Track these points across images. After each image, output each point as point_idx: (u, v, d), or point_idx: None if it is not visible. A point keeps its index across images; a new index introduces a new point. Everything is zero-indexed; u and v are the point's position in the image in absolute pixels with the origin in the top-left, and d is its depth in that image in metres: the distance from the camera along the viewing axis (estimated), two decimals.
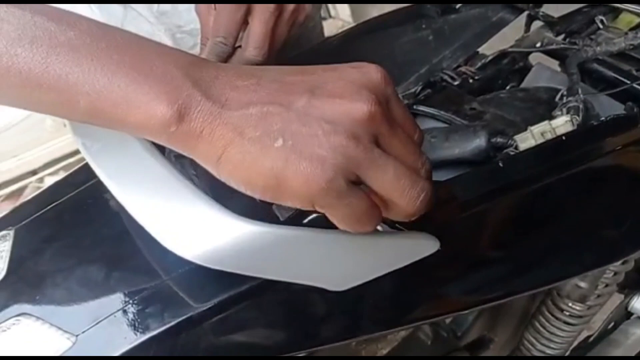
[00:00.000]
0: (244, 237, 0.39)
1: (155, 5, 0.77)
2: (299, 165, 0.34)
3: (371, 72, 0.38)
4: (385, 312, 0.46)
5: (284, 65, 0.40)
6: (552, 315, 0.83)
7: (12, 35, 0.33)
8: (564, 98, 0.67)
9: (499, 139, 0.62)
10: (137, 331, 0.42)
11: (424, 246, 0.46)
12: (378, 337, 0.64)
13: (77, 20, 0.36)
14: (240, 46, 0.63)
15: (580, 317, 0.82)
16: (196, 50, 0.80)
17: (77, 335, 0.42)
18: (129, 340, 0.41)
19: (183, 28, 0.80)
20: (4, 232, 0.49)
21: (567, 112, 0.63)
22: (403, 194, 0.37)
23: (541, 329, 0.86)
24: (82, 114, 0.35)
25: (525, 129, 0.62)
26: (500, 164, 0.51)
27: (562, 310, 0.83)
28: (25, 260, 0.47)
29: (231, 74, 0.37)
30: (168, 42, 0.80)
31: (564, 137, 0.54)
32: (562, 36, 0.85)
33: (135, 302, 0.43)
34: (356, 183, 0.36)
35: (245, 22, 0.62)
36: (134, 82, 0.34)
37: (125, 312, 0.43)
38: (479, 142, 0.62)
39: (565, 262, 0.60)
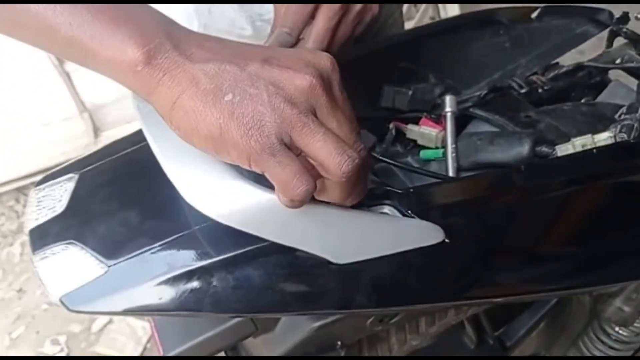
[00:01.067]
0: (260, 202, 0.44)
1: None
2: (242, 119, 0.38)
3: (322, 57, 0.42)
4: (380, 291, 0.49)
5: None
6: (597, 337, 0.81)
7: None
8: (622, 115, 0.66)
9: (544, 149, 0.63)
10: (159, 270, 0.48)
11: (428, 235, 0.49)
12: (397, 320, 0.66)
13: None
14: (303, 38, 0.68)
15: (626, 343, 0.80)
16: None
17: (109, 266, 0.49)
18: (150, 276, 0.48)
19: (263, 17, 0.86)
20: (70, 175, 0.58)
21: (620, 130, 0.62)
22: (329, 157, 0.39)
23: (584, 350, 0.85)
24: (60, 42, 0.39)
25: None
26: (522, 168, 0.52)
27: (608, 334, 0.81)
28: (82, 200, 0.55)
29: (201, 36, 0.42)
30: (249, 28, 0.87)
31: (594, 150, 0.54)
32: None
33: (162, 245, 0.49)
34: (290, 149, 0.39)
35: (312, 17, 0.67)
36: (113, 23, 0.39)
37: (153, 252, 0.49)
38: (522, 149, 0.63)
39: (597, 268, 0.59)
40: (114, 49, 0.39)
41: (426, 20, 2.35)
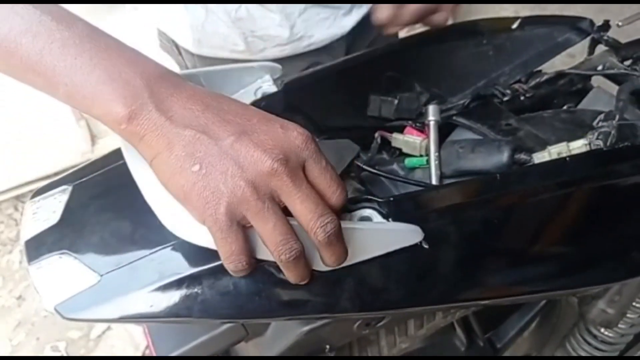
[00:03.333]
0: None
1: (233, 11, 0.86)
2: (203, 192, 0.41)
3: (293, 136, 0.44)
4: (363, 295, 0.51)
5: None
6: (583, 338, 0.83)
7: (22, 27, 0.43)
8: (600, 122, 0.68)
9: (522, 156, 0.65)
10: (150, 278, 0.50)
11: (408, 236, 0.51)
12: (382, 323, 0.68)
13: (75, 22, 0.44)
14: None
15: (612, 344, 0.81)
16: (265, 54, 0.90)
17: (102, 275, 0.51)
18: (141, 284, 0.50)
19: (255, 33, 0.88)
20: (64, 187, 0.60)
21: (597, 137, 0.64)
22: (275, 247, 0.43)
23: (571, 351, 0.86)
24: (61, 98, 0.44)
25: None
26: (498, 176, 0.54)
27: (594, 335, 0.82)
28: (75, 211, 0.57)
29: (185, 95, 0.44)
30: (241, 44, 0.89)
31: (567, 158, 0.56)
32: (629, 62, 0.84)
33: (153, 254, 0.51)
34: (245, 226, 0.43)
35: None
36: (102, 84, 0.42)
37: (143, 261, 0.51)
38: (501, 157, 0.65)
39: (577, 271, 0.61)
40: (102, 107, 0.43)
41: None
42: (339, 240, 0.45)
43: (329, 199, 0.45)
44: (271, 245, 0.43)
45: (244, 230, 0.44)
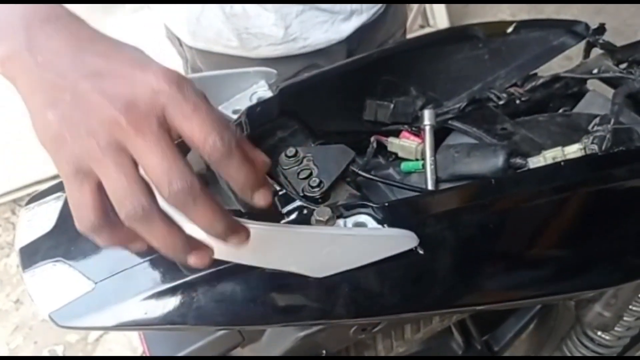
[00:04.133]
0: None
1: (228, 7, 0.87)
2: (54, 140, 0.39)
3: (150, 79, 0.38)
4: (358, 302, 0.51)
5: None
6: (580, 341, 0.83)
7: None
8: (595, 127, 0.68)
9: (518, 160, 0.65)
10: (145, 285, 0.50)
11: (403, 242, 0.51)
12: (379, 329, 0.68)
13: None
14: None
15: (609, 347, 0.82)
16: (258, 52, 0.90)
17: (96, 283, 0.51)
18: (136, 292, 0.50)
19: (249, 30, 0.88)
20: (59, 194, 0.60)
21: (592, 141, 0.64)
22: (117, 202, 0.38)
23: (567, 353, 0.86)
24: None
25: None
26: (492, 181, 0.54)
27: (591, 338, 0.82)
28: (69, 218, 0.56)
29: (60, 37, 0.40)
30: (234, 40, 0.90)
31: (562, 163, 0.56)
32: (625, 65, 0.84)
33: (147, 261, 0.51)
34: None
35: None
36: None
37: (138, 269, 0.51)
38: (496, 161, 0.65)
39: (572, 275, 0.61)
40: None
41: (415, 28, 2.37)
42: (198, 202, 0.38)
43: (201, 147, 0.38)
44: (113, 201, 0.38)
45: (97, 185, 0.39)
